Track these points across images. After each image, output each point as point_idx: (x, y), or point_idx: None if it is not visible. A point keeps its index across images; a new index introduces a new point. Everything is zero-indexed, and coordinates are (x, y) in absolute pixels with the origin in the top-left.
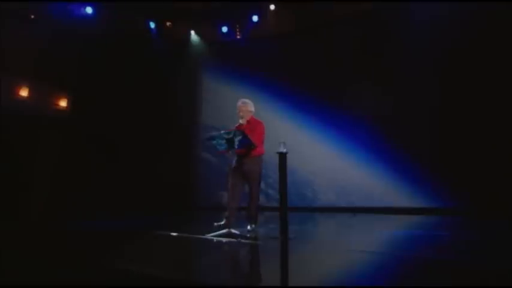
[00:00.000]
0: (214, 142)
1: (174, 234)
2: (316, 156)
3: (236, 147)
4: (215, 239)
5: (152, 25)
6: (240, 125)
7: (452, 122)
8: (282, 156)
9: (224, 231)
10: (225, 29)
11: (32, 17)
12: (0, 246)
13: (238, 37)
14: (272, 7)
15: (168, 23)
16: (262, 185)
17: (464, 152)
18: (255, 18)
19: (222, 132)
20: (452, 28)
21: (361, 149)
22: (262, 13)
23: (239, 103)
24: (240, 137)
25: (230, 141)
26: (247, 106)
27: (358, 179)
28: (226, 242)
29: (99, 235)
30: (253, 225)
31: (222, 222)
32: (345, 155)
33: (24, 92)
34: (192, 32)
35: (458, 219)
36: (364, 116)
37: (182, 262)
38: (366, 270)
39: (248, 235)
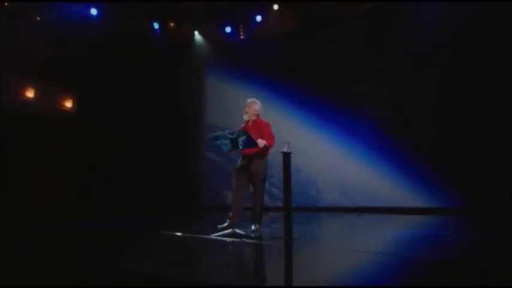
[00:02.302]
0: (219, 142)
1: (178, 234)
2: (320, 155)
3: (240, 147)
4: (219, 239)
5: (156, 26)
6: (246, 124)
7: (455, 121)
8: (286, 156)
9: (228, 231)
10: (228, 29)
11: (38, 18)
12: (1, 246)
13: (241, 37)
14: (275, 7)
15: (171, 24)
16: (266, 185)
17: (468, 152)
18: (258, 18)
19: (226, 132)
20: (454, 28)
21: (364, 148)
22: (266, 13)
23: (249, 100)
24: (244, 137)
25: (234, 141)
26: (255, 105)
27: (362, 179)
28: (230, 242)
29: (102, 235)
30: (257, 225)
31: (226, 224)
32: (348, 154)
33: (30, 93)
34: (196, 32)
35: (462, 219)
36: (367, 116)
37: (186, 262)
38: (370, 271)
39: (252, 235)
